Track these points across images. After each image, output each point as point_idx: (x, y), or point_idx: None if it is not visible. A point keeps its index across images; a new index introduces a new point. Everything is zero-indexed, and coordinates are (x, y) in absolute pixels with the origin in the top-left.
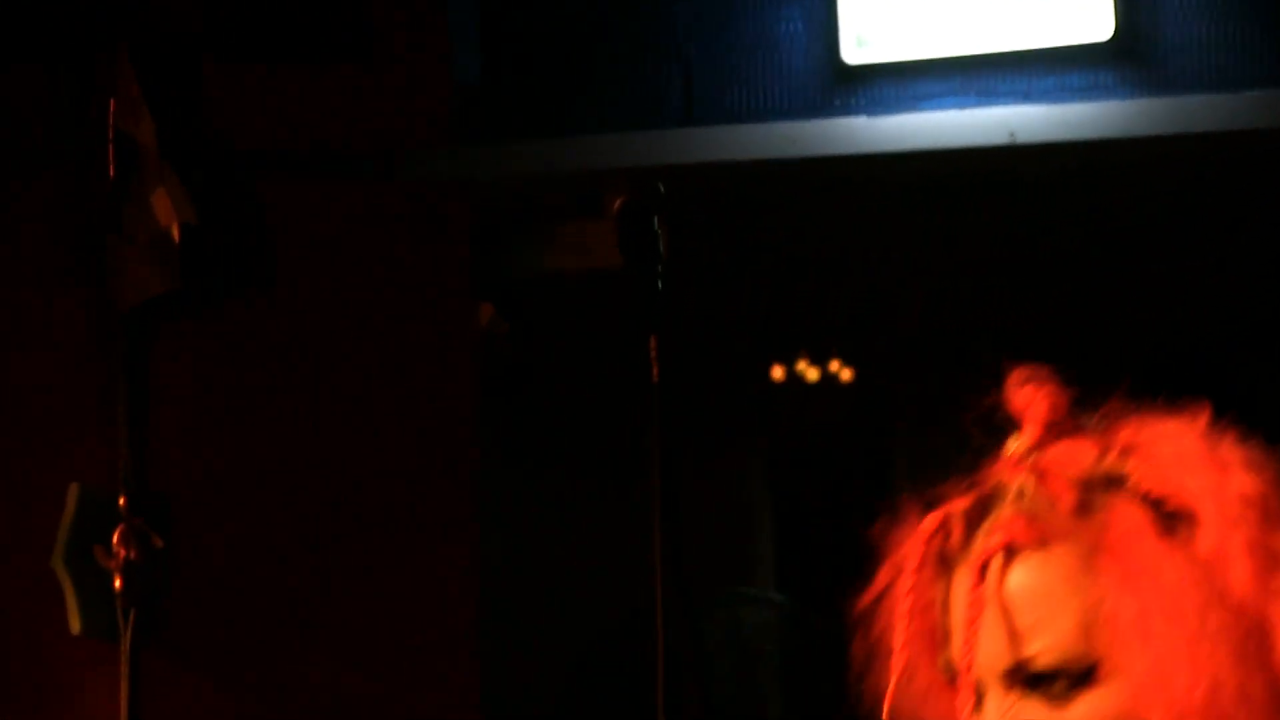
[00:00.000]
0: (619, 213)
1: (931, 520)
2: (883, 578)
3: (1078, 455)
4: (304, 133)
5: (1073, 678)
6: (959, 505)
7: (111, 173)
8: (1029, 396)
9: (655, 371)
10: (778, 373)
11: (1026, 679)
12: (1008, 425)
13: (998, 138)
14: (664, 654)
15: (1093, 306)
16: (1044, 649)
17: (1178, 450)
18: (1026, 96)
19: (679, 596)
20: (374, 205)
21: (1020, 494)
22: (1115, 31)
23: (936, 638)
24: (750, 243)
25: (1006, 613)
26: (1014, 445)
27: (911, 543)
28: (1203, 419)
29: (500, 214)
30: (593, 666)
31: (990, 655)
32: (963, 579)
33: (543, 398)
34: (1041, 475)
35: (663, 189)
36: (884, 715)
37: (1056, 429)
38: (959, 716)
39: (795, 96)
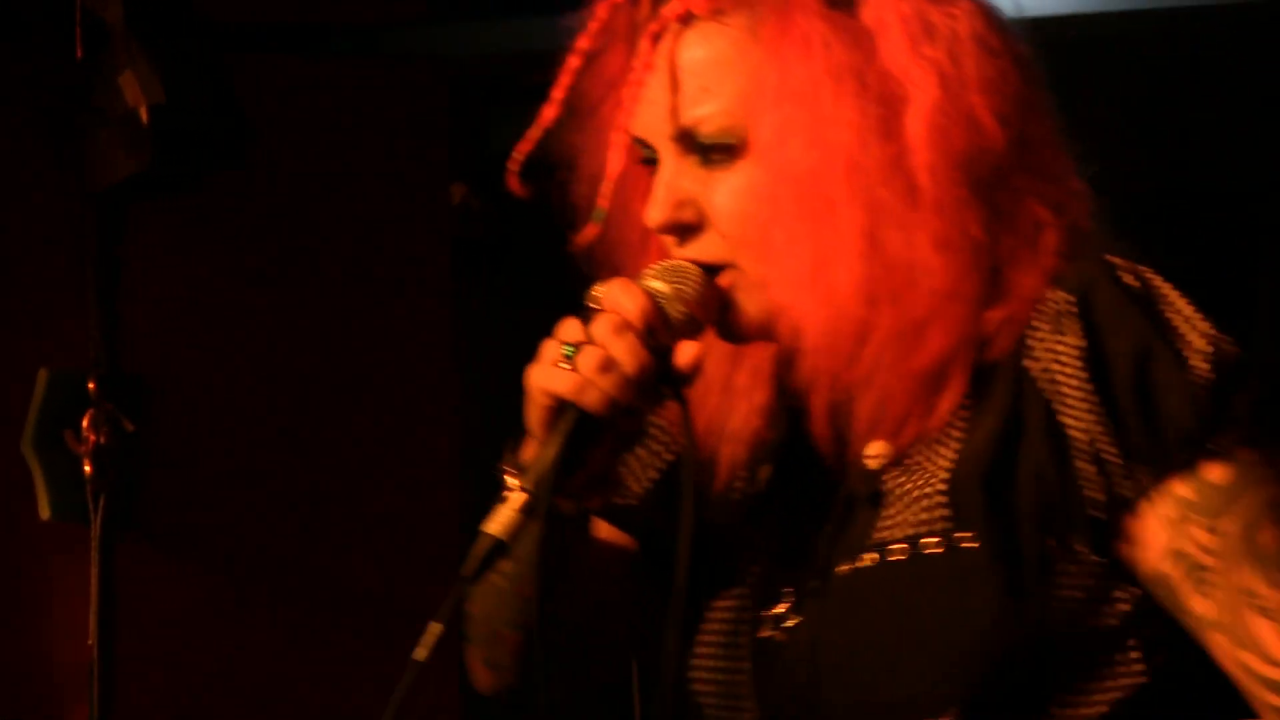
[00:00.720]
0: None
1: None
2: (579, 45)
3: None
4: (278, 7)
5: (730, 148)
6: None
7: (79, 53)
8: None
9: None
10: None
11: (693, 144)
12: None
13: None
14: None
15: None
16: (707, 115)
17: None
18: None
19: None
20: (350, 81)
21: None
22: None
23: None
24: None
25: (675, 78)
26: None
27: (600, 10)
28: None
29: (477, 91)
30: None
31: (659, 118)
32: (641, 45)
33: (517, 273)
34: None
35: None
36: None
37: None
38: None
39: None
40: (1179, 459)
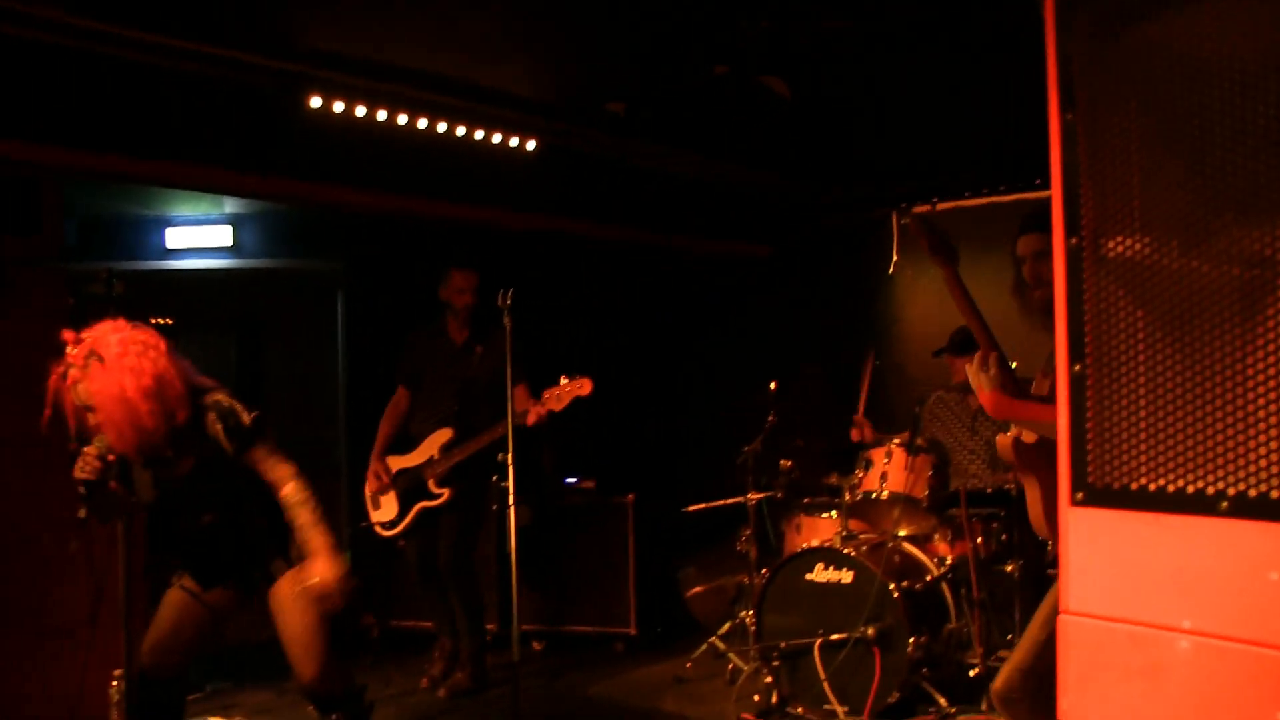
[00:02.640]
0: None
1: None
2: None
3: None
4: None
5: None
6: None
7: None
8: None
9: None
10: None
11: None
12: None
13: None
14: None
15: None
16: (84, 399)
17: None
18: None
19: None
20: None
21: None
22: (233, 241)
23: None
24: None
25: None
26: None
27: (54, 375)
28: None
29: None
30: None
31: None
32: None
33: None
34: None
35: None
36: None
37: None
38: None
39: None
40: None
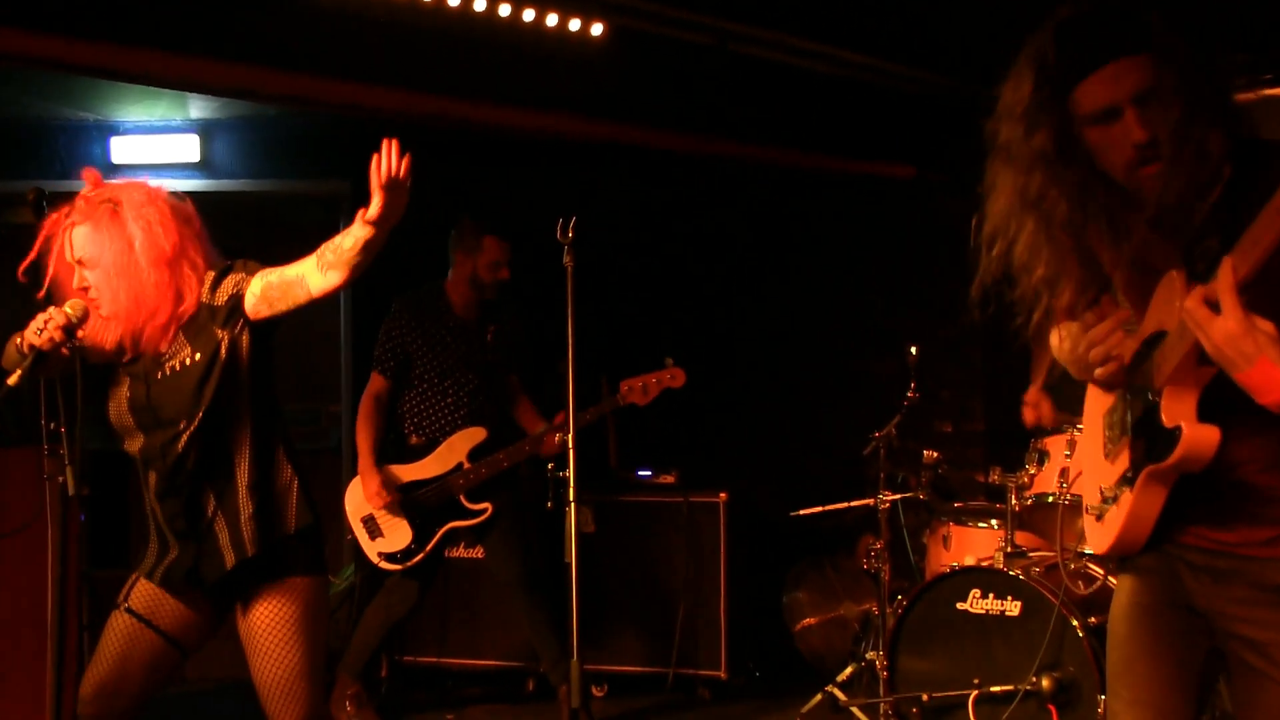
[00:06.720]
0: None
1: None
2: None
3: None
4: None
5: (85, 261)
6: None
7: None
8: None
9: None
10: None
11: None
12: None
13: None
14: None
15: None
16: (79, 255)
17: None
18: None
19: None
20: None
21: None
22: (201, 157)
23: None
24: None
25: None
26: None
27: (49, 220)
28: None
29: None
30: None
31: (72, 255)
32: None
33: None
34: None
35: None
36: None
37: None
38: None
39: None
40: None
